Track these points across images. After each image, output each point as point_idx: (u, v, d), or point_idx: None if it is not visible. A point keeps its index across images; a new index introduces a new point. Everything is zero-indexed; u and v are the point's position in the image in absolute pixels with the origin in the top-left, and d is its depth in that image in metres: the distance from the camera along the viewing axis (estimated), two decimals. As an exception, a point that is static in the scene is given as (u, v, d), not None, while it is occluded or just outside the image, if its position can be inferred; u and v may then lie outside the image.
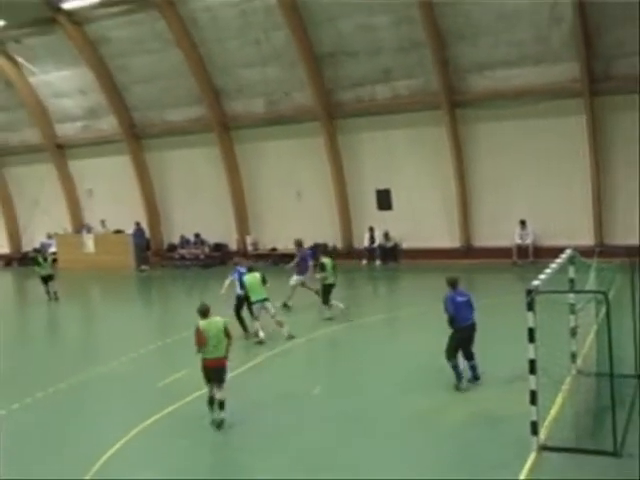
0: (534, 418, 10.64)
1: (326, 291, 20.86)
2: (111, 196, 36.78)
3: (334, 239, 31.59)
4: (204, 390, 13.29)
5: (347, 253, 31.14)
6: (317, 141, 31.22)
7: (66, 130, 37.40)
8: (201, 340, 12.90)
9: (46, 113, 37.29)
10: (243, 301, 19.60)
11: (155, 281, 33.17)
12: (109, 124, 35.60)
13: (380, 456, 11.34)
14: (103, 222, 36.79)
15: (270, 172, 32.80)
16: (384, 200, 30.73)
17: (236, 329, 17.71)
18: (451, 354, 13.72)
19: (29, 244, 39.90)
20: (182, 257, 34.77)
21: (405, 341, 18.53)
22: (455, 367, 13.71)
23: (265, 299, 18.82)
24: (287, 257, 31.05)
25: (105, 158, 36.50)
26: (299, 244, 23.48)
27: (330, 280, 20.82)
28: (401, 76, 29.00)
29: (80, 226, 38.04)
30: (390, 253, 30.78)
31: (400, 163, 30.09)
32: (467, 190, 29.17)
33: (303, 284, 22.70)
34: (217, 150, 33.36)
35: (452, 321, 13.64)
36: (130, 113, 35.17)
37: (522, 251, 28.01)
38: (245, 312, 19.69)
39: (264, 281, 18.93)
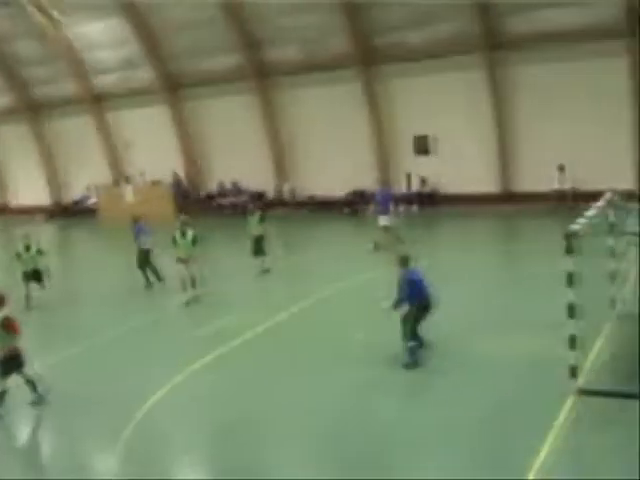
0: (573, 362, 10.63)
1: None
2: (149, 146, 37.01)
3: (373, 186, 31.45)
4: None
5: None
6: (354, 88, 31.01)
7: (103, 82, 37.50)
8: None
9: (83, 65, 37.38)
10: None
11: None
12: (146, 74, 35.65)
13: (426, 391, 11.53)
14: (142, 173, 37.02)
15: (307, 119, 32.72)
16: (422, 146, 30.50)
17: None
18: (410, 332, 12.77)
19: (68, 196, 40.63)
20: (220, 205, 34.85)
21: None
22: (412, 347, 12.73)
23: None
24: (326, 204, 31.50)
25: (143, 109, 36.64)
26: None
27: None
28: (438, 20, 28.56)
29: (119, 178, 38.33)
30: (427, 199, 30.67)
31: (438, 109, 29.75)
32: (507, 135, 28.92)
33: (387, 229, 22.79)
34: (255, 98, 33.31)
35: (412, 300, 12.69)
36: (166, 63, 35.16)
37: (561, 196, 27.71)
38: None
39: (194, 242, 19.52)
